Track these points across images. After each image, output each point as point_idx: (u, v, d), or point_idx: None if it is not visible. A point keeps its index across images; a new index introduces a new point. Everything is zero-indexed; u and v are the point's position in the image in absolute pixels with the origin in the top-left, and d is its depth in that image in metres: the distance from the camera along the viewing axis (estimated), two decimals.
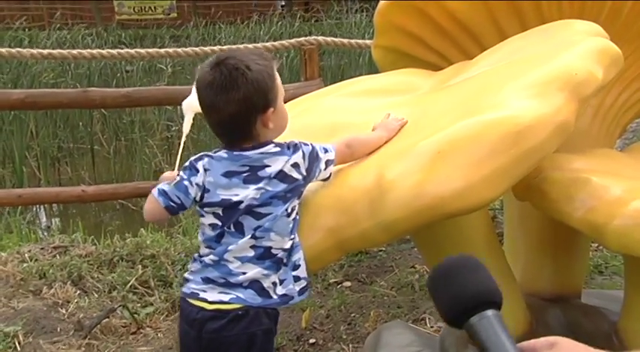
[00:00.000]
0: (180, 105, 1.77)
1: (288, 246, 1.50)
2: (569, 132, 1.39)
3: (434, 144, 1.42)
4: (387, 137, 1.61)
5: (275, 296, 1.49)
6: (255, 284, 1.49)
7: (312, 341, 2.60)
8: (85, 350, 2.45)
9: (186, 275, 1.56)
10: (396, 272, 3.17)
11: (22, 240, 4.00)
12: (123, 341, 2.60)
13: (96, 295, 2.92)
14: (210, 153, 1.53)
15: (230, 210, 1.49)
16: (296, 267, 1.51)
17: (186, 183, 1.50)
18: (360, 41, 3.81)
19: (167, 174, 1.59)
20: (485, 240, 1.77)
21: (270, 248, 1.49)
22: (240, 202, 1.48)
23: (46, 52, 3.18)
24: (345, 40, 3.68)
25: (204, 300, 1.48)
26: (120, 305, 2.77)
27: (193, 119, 1.77)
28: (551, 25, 1.81)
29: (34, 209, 5.84)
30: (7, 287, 2.86)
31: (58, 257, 3.23)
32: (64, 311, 2.73)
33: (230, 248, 1.48)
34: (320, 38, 3.49)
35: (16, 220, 4.67)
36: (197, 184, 1.49)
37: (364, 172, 1.53)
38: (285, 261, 1.51)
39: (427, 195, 1.36)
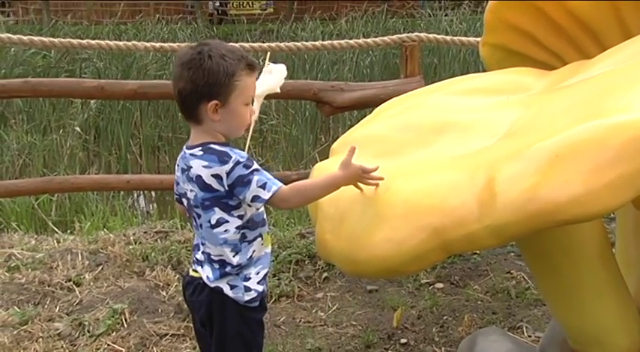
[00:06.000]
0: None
1: (228, 259, 1.60)
2: None
3: (551, 146, 1.35)
4: (344, 177, 1.55)
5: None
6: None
7: (403, 341, 2.57)
8: (184, 332, 2.54)
9: None
10: (490, 276, 3.07)
11: (125, 223, 4.23)
12: None
13: None
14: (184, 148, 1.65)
15: (188, 203, 1.65)
16: (247, 279, 1.63)
17: (175, 178, 1.69)
18: (463, 38, 3.71)
19: None
20: (599, 250, 1.68)
21: (210, 254, 1.62)
22: (189, 198, 1.63)
23: (157, 45, 3.33)
24: (448, 37, 3.61)
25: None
26: None
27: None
28: None
29: (135, 194, 6.15)
30: (114, 266, 3.03)
31: (159, 241, 3.38)
32: (164, 294, 2.85)
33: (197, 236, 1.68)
34: (422, 35, 3.44)
35: (120, 204, 4.94)
36: (177, 177, 1.67)
37: (472, 173, 1.48)
38: (229, 269, 1.62)
39: (542, 200, 1.30)
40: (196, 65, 1.53)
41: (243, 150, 1.73)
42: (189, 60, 1.55)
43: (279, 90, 1.85)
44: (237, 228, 1.60)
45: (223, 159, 1.54)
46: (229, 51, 1.56)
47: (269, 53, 1.87)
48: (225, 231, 1.59)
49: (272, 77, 1.84)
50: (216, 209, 1.58)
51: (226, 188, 1.55)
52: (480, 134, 1.73)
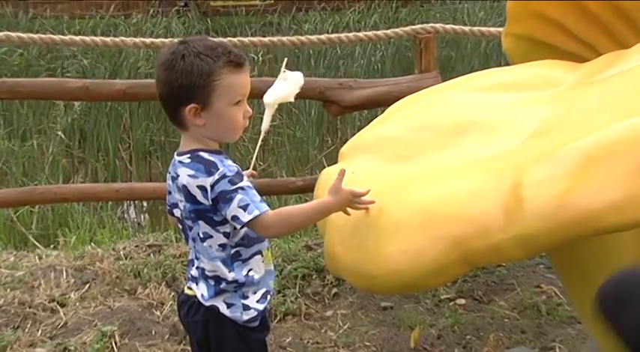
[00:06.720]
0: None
1: (223, 275, 1.60)
2: None
3: (584, 147, 1.35)
4: (334, 204, 1.57)
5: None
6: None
7: None
8: None
9: None
10: (517, 291, 3.06)
11: (114, 236, 4.23)
12: None
13: None
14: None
15: (180, 214, 1.65)
16: (245, 297, 1.63)
17: (167, 186, 1.69)
18: (484, 29, 3.71)
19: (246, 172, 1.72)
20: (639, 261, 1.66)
21: (204, 270, 1.62)
22: (180, 209, 1.63)
23: (148, 40, 3.34)
24: (467, 28, 3.60)
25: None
26: None
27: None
28: None
29: (125, 204, 6.16)
30: (103, 284, 3.02)
31: (152, 256, 3.37)
32: (158, 313, 2.85)
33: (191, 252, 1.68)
34: (438, 25, 3.42)
35: (109, 215, 4.95)
36: (168, 185, 1.67)
37: (497, 177, 1.48)
38: (225, 286, 1.61)
39: (574, 207, 1.30)
40: (170, 67, 1.53)
41: (250, 163, 1.73)
42: (163, 61, 1.55)
43: (292, 100, 1.85)
44: (220, 245, 1.59)
45: (210, 170, 1.53)
46: (208, 48, 1.54)
47: (286, 59, 1.86)
48: (209, 246, 1.59)
49: (287, 85, 1.83)
50: (201, 222, 1.58)
51: (210, 202, 1.54)
52: (504, 134, 1.72)
